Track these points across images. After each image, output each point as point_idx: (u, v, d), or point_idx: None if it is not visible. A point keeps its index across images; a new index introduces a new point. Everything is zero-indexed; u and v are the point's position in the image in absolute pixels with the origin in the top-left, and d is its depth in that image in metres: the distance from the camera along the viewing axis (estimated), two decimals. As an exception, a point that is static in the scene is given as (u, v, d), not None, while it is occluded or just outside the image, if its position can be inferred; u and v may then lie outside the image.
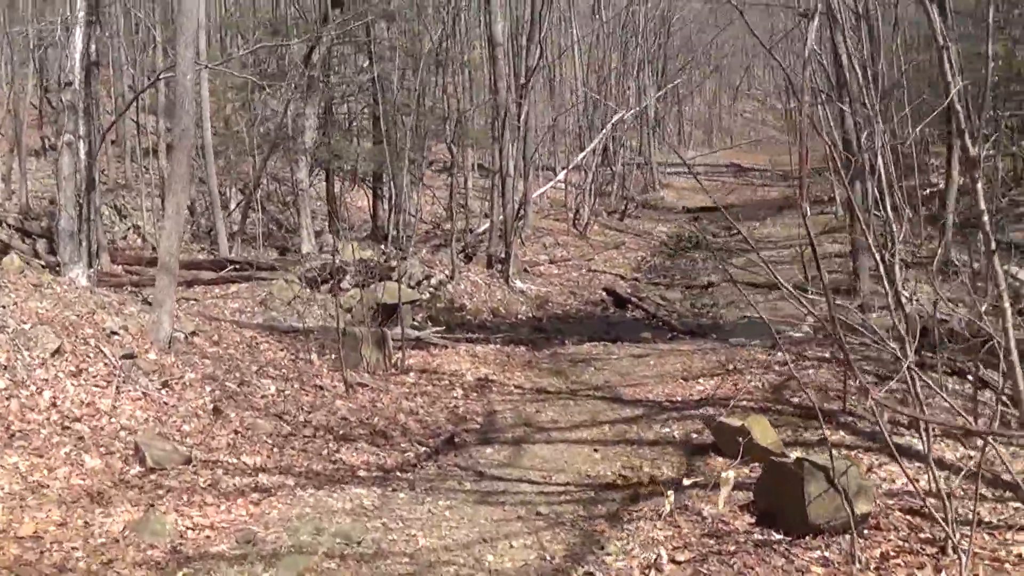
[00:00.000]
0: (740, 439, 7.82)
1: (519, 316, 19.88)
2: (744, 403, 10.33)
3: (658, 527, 7.26)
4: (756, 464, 8.27)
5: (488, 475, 8.75)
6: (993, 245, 8.95)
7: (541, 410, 11.00)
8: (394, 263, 19.68)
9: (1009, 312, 8.34)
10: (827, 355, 12.47)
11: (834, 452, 8.27)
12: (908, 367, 7.10)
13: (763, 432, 8.52)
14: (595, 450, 9.40)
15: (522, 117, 22.15)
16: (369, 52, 21.78)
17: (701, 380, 11.92)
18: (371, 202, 21.56)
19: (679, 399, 11.15)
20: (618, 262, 25.81)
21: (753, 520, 7.36)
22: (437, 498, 8.02)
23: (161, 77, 16.37)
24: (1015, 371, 7.97)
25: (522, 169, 22.85)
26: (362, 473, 8.61)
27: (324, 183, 22.12)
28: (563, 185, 30.95)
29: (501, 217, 22.57)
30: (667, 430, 9.94)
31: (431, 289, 19.71)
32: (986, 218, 8.84)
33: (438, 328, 15.86)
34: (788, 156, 48.29)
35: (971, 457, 8.34)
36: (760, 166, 44.60)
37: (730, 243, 28.27)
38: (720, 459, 8.73)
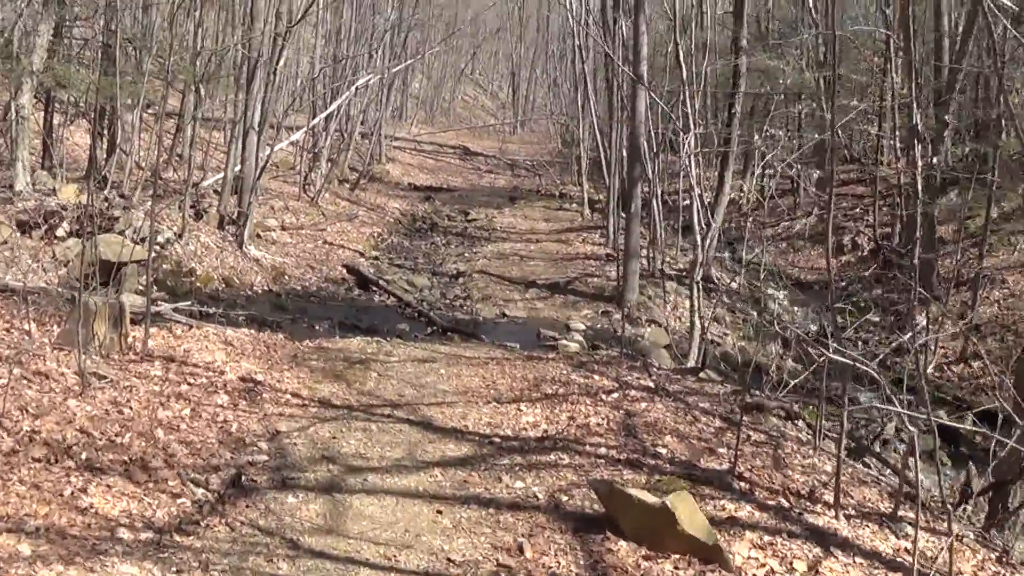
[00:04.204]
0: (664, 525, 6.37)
1: (254, 288, 17.78)
2: (603, 452, 8.74)
3: None
4: (678, 557, 6.66)
5: (305, 548, 6.60)
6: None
7: (338, 436, 8.92)
8: (117, 213, 16.91)
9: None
10: (650, 384, 11.20)
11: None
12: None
13: (691, 515, 6.68)
14: (439, 511, 7.40)
15: (280, 65, 19.79)
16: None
17: (523, 407, 10.16)
18: (92, 141, 18.52)
19: (510, 434, 9.35)
20: (354, 236, 23.95)
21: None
22: (250, 596, 5.93)
23: None
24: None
25: (269, 123, 20.49)
26: (126, 534, 6.28)
27: (42, 113, 18.77)
28: (290, 147, 28.60)
29: (237, 170, 20.15)
30: (522, 484, 8.05)
31: (157, 247, 17.04)
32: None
33: (184, 303, 13.40)
34: (516, 145, 48.20)
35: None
36: (487, 151, 43.88)
37: (468, 229, 27.05)
38: (624, 544, 6.84)
